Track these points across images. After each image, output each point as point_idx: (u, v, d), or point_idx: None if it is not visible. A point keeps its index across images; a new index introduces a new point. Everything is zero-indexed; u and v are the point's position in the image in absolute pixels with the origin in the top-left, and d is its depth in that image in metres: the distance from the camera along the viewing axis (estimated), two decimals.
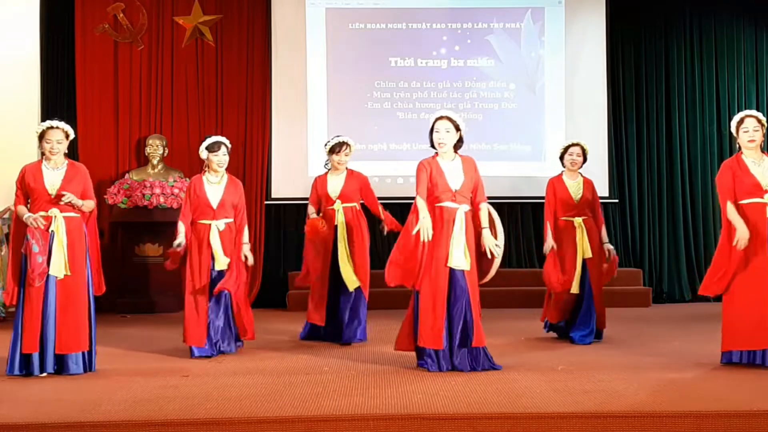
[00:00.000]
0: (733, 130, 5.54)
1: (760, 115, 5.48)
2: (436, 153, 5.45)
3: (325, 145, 6.84)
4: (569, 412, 4.21)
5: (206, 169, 6.11)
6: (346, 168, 6.81)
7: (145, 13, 9.55)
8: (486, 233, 5.36)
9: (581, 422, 4.13)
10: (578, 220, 6.55)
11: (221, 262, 5.98)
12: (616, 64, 9.95)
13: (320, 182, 6.82)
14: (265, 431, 4.07)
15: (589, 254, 6.49)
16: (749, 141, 5.41)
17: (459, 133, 5.41)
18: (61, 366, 5.32)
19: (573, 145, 6.74)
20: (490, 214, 5.43)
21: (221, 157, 6.05)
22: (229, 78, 9.65)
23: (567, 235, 6.55)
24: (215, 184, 6.07)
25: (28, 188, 5.38)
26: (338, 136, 6.78)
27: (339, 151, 6.71)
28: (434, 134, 5.41)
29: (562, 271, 6.48)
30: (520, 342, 6.56)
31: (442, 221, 5.33)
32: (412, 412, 4.24)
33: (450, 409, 4.27)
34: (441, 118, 5.41)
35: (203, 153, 6.07)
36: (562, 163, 6.77)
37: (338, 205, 6.69)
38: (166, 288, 8.64)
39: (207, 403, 4.44)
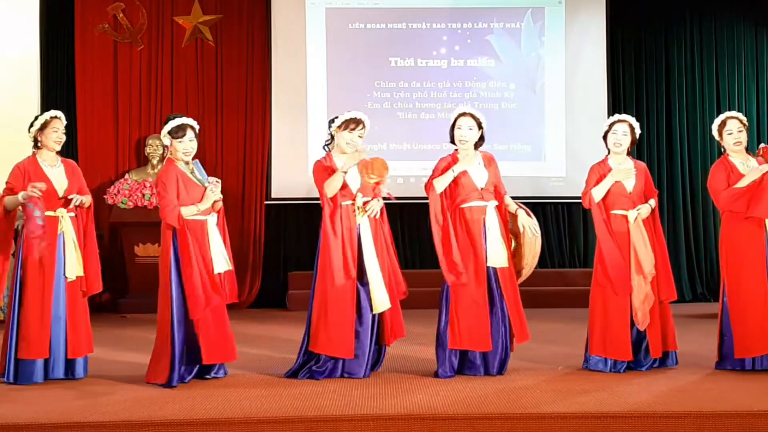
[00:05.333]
0: (714, 132, 5.46)
1: (741, 116, 5.42)
2: (456, 150, 5.35)
3: (332, 121, 5.37)
4: (569, 412, 4.21)
5: (172, 157, 5.13)
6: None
7: (145, 13, 9.55)
8: (522, 213, 5.27)
9: (581, 422, 4.13)
10: (632, 215, 5.30)
11: (224, 263, 5.07)
12: (616, 64, 9.95)
13: (330, 166, 5.24)
14: (265, 431, 4.07)
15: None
16: (735, 143, 5.34)
17: (481, 131, 5.33)
18: (71, 371, 5.17)
19: (619, 121, 5.41)
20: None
21: (187, 144, 5.08)
22: (229, 78, 9.65)
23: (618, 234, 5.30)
24: (190, 173, 5.14)
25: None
26: (350, 112, 5.34)
27: (353, 128, 5.23)
28: (456, 131, 5.30)
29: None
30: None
31: (472, 221, 5.22)
32: (412, 412, 4.24)
33: (450, 409, 4.27)
34: (464, 114, 5.29)
35: (166, 139, 5.09)
36: (606, 145, 5.46)
37: (360, 201, 5.20)
38: None
39: (207, 403, 4.44)
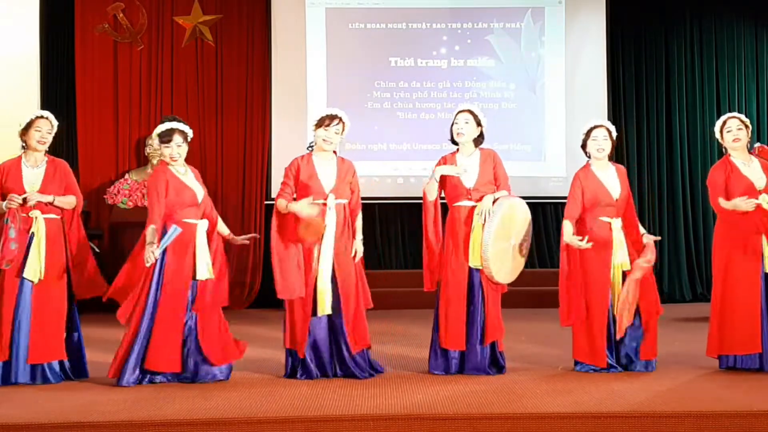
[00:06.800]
0: (716, 134, 5.47)
1: (742, 116, 5.44)
2: (457, 149, 5.40)
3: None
4: (569, 412, 4.21)
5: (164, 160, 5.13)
6: (335, 153, 5.31)
7: (145, 13, 9.55)
8: (487, 198, 5.20)
9: (581, 422, 4.13)
10: (616, 223, 5.32)
11: (207, 271, 5.04)
12: (616, 63, 9.96)
13: (304, 165, 5.20)
14: (265, 431, 4.07)
15: (628, 266, 5.28)
16: (734, 140, 5.35)
17: (480, 128, 5.36)
18: (34, 376, 5.04)
19: (597, 127, 5.37)
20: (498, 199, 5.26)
21: (174, 150, 5.07)
22: (229, 78, 9.65)
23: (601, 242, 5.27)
24: (184, 176, 5.13)
25: (4, 188, 5.05)
26: (327, 109, 5.30)
27: (328, 125, 5.17)
28: (454, 126, 5.37)
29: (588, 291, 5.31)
30: (520, 342, 6.56)
31: (459, 220, 5.25)
32: (412, 412, 4.24)
33: (450, 409, 4.27)
34: (463, 111, 5.36)
35: (156, 142, 5.17)
36: (586, 153, 5.43)
37: (331, 201, 5.18)
38: None
39: (207, 403, 4.44)
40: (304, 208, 5.03)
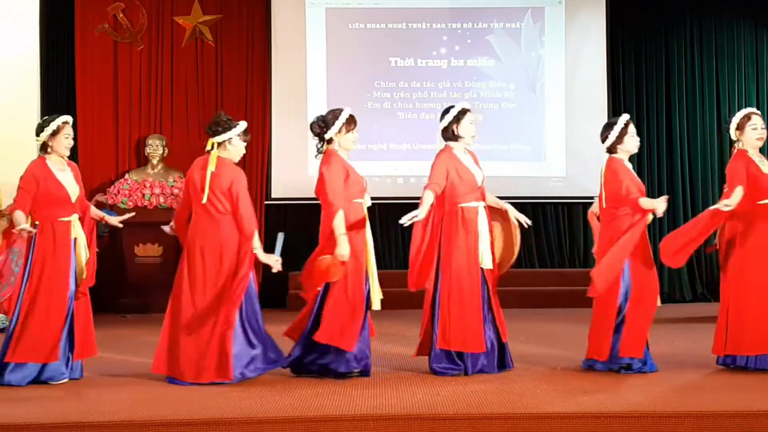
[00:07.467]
0: (733, 126, 5.29)
1: (760, 113, 5.38)
2: (447, 146, 5.33)
3: (326, 120, 5.22)
4: (569, 412, 4.22)
5: (231, 158, 5.21)
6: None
7: (145, 13, 9.55)
8: (510, 207, 5.32)
9: (581, 422, 4.14)
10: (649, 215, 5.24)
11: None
12: (616, 64, 9.96)
13: (346, 164, 5.21)
14: (265, 431, 4.07)
15: None
16: (758, 139, 5.21)
17: None
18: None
19: (630, 122, 5.40)
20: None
21: (244, 148, 5.29)
22: (229, 78, 9.65)
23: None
24: None
25: (43, 192, 5.02)
26: (342, 113, 5.25)
27: (354, 128, 5.27)
28: (469, 126, 5.30)
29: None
30: (520, 342, 6.56)
31: (468, 221, 5.21)
32: (412, 412, 4.24)
33: (450, 409, 4.28)
34: (470, 110, 5.35)
35: (236, 139, 5.21)
36: (616, 149, 5.42)
37: (367, 198, 5.31)
38: (166, 288, 8.61)
39: (207, 403, 4.44)
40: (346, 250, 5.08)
